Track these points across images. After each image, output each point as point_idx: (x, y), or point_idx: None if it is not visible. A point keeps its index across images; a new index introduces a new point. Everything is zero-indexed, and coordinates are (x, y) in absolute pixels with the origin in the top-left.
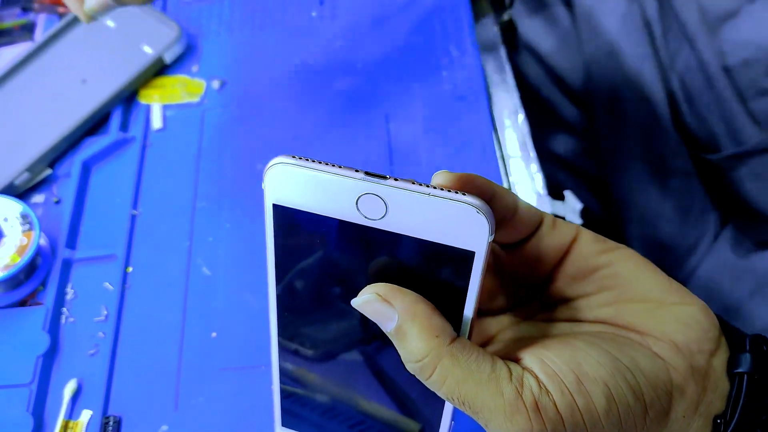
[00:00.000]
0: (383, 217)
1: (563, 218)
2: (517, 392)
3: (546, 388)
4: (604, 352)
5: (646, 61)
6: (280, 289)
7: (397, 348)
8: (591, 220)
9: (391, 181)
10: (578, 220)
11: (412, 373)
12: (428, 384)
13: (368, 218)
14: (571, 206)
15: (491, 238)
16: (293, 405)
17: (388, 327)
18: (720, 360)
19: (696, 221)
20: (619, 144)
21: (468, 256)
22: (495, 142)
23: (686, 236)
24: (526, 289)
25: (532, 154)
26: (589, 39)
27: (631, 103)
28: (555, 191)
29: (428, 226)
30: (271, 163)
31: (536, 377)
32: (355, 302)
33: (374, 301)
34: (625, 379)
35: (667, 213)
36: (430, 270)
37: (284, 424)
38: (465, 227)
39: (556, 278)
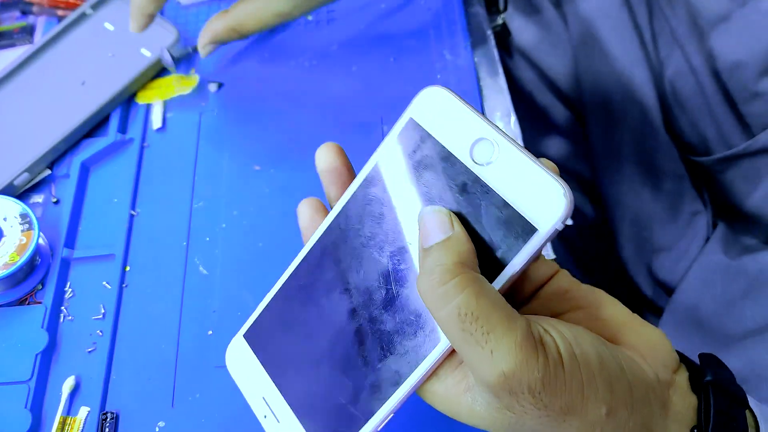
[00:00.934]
0: (487, 164)
1: None
2: (528, 325)
3: (551, 334)
4: (594, 335)
5: (636, 66)
6: (359, 195)
7: (427, 260)
8: (584, 222)
9: (511, 138)
10: (569, 222)
11: (429, 284)
12: (443, 293)
13: (474, 162)
14: None
15: (560, 227)
16: (268, 327)
17: (436, 238)
18: (683, 377)
19: (688, 223)
20: (611, 147)
21: (530, 232)
22: None
23: (678, 238)
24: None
25: None
26: (581, 43)
27: (622, 106)
28: None
29: (517, 187)
30: (427, 88)
31: (541, 325)
32: (426, 209)
33: (442, 213)
34: (613, 355)
35: (660, 214)
36: (492, 229)
37: (246, 335)
38: (545, 204)
39: (533, 300)
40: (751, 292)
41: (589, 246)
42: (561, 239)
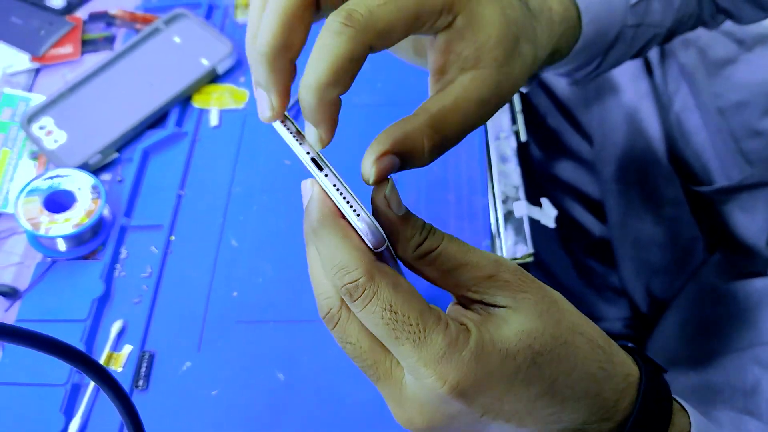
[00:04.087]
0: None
1: (538, 221)
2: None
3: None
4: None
5: (644, 99)
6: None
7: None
8: (589, 240)
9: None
10: (552, 225)
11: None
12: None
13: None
14: (547, 212)
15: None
16: None
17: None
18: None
19: (685, 248)
20: (617, 172)
21: None
22: (485, 150)
23: (676, 261)
24: None
25: (517, 166)
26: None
27: (629, 135)
28: (533, 198)
29: None
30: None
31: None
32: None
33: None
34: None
35: (659, 238)
36: None
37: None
38: None
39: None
40: (738, 314)
41: (592, 261)
42: (566, 253)
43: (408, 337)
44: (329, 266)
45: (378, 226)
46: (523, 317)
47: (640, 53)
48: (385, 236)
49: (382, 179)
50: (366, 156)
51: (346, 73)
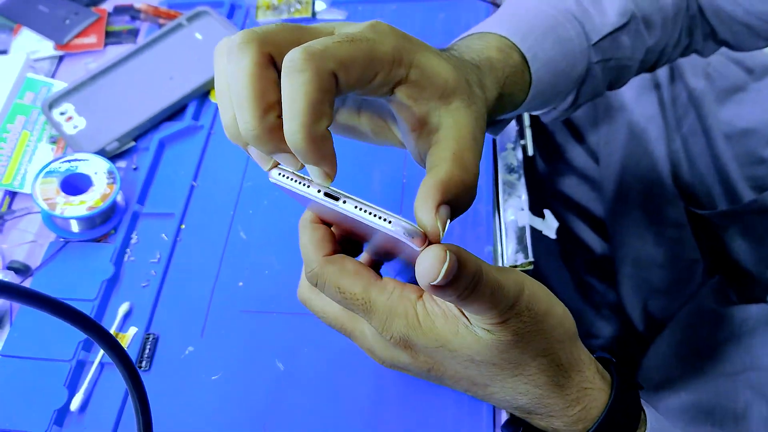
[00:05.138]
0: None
1: (540, 233)
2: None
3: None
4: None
5: (652, 122)
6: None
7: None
8: (591, 256)
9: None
10: (553, 236)
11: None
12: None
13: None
14: (549, 223)
15: None
16: None
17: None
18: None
19: (685, 269)
20: (621, 191)
21: None
22: (492, 160)
23: (675, 282)
24: None
25: (521, 177)
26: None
27: (634, 156)
28: (536, 209)
29: None
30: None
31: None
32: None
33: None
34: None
35: (660, 259)
36: None
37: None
38: None
39: None
40: (733, 339)
41: (591, 278)
42: (566, 268)
43: (358, 308)
44: (304, 259)
45: (411, 223)
46: (481, 346)
47: (617, 84)
48: (420, 230)
49: (445, 226)
50: (421, 210)
51: (323, 105)
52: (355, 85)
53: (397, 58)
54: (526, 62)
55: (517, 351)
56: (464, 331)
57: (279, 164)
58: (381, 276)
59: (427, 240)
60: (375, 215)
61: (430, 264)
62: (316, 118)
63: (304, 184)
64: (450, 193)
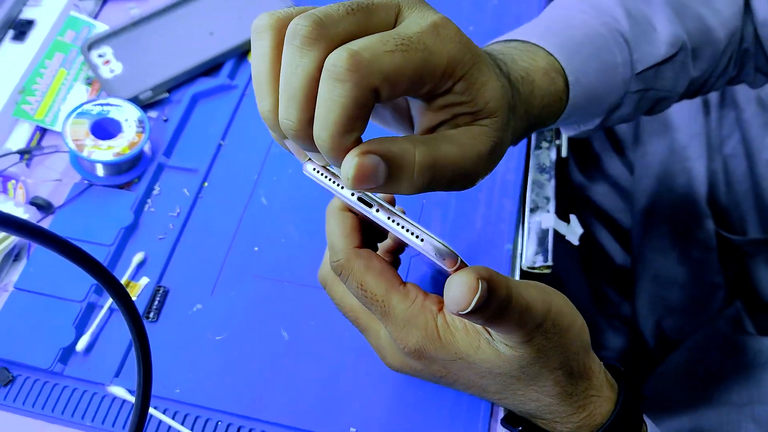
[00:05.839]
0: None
1: (563, 237)
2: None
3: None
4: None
5: (695, 138)
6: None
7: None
8: (611, 267)
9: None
10: (576, 242)
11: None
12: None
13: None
14: (574, 229)
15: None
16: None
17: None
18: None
19: (705, 293)
20: (652, 205)
21: None
22: (525, 157)
23: (692, 304)
24: None
25: (552, 180)
26: None
27: (671, 171)
28: (562, 213)
29: None
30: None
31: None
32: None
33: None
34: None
35: (681, 278)
36: None
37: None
38: None
39: None
40: (744, 370)
41: (608, 289)
42: (584, 275)
43: (376, 309)
44: (329, 245)
45: (443, 244)
46: (502, 361)
47: (652, 113)
48: (452, 251)
49: (363, 178)
50: (350, 152)
51: (356, 120)
52: (396, 97)
53: (449, 71)
54: (567, 86)
55: (538, 366)
56: (486, 346)
57: None
58: (404, 282)
59: (458, 260)
60: (407, 230)
61: (461, 293)
62: (347, 131)
63: (337, 184)
64: (392, 156)
